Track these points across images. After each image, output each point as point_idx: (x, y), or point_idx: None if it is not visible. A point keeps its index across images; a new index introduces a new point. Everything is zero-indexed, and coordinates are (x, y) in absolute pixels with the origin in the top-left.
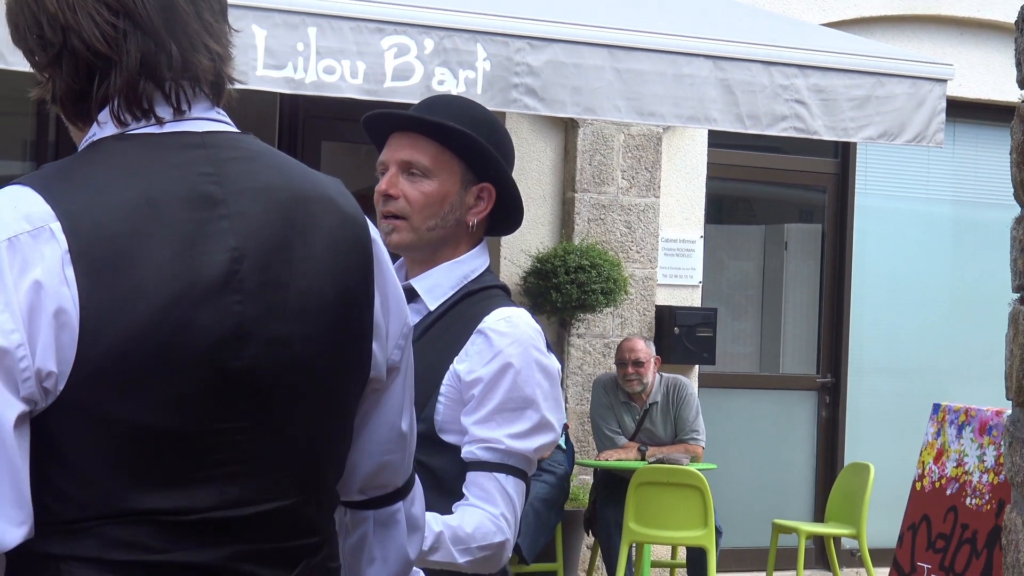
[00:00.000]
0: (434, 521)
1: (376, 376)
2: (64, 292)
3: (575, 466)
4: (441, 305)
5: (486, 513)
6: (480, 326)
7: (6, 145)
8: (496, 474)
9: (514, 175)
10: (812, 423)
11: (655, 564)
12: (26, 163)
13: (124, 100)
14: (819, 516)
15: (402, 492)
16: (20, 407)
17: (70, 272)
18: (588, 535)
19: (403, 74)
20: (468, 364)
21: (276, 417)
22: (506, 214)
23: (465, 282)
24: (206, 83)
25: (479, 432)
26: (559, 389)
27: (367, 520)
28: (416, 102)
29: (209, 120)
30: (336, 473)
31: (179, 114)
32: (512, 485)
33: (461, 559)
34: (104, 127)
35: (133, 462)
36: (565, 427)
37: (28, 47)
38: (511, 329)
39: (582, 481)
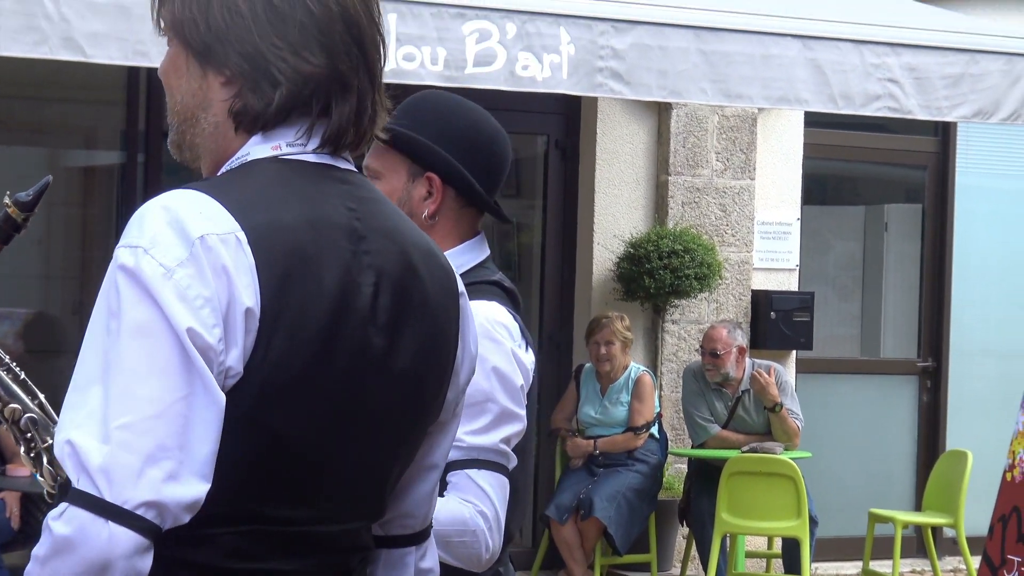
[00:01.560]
0: None
1: (442, 419)
2: (253, 298)
3: (669, 455)
4: None
5: (460, 503)
6: None
7: (99, 135)
8: (467, 470)
9: (606, 158)
10: (913, 409)
11: (750, 555)
12: (119, 151)
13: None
14: (919, 505)
15: (418, 538)
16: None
17: (256, 281)
18: (683, 525)
19: (485, 60)
20: None
21: (374, 445)
22: (472, 201)
23: None
24: (361, 136)
25: None
26: (518, 379)
27: (377, 557)
28: (499, 88)
29: (344, 159)
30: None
31: (328, 151)
32: (485, 478)
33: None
34: (259, 148)
35: (264, 470)
36: (658, 416)
37: (222, 59)
38: None
39: (677, 470)
